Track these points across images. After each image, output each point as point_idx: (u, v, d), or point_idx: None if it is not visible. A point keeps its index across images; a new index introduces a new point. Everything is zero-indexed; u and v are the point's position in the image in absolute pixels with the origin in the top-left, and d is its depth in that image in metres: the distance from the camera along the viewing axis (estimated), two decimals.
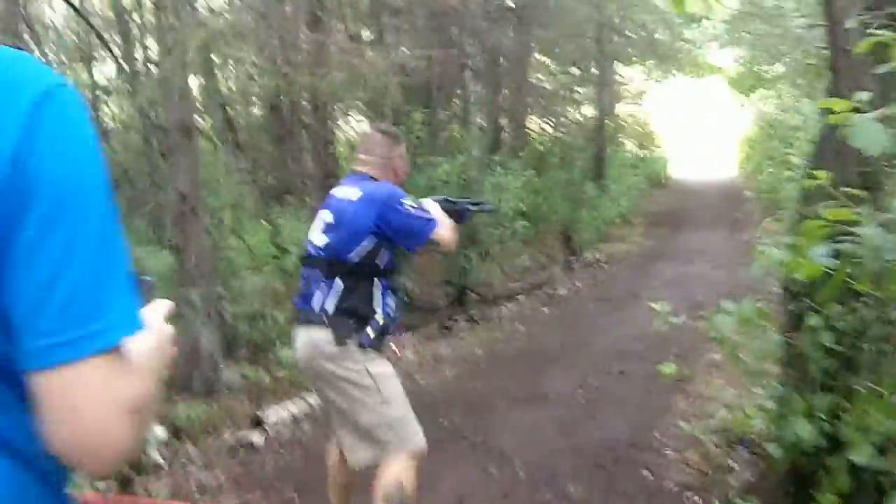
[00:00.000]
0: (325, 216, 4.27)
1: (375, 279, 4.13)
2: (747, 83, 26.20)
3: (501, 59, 16.96)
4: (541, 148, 18.32)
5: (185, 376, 7.46)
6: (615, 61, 21.41)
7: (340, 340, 4.03)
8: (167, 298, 1.57)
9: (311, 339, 4.11)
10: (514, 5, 16.53)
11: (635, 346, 9.07)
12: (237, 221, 11.43)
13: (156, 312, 1.51)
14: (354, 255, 4.08)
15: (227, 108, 11.69)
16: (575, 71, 20.57)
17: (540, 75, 20.45)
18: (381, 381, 4.11)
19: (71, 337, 1.12)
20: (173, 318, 1.56)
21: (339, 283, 4.08)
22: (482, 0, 12.84)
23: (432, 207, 4.41)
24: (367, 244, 4.08)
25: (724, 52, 26.76)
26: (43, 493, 1.24)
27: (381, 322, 4.10)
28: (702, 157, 33.41)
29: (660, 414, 6.86)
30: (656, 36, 20.86)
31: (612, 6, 18.37)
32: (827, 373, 3.84)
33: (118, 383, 1.17)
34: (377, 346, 4.12)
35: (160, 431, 6.36)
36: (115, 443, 1.16)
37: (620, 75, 23.17)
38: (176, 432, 6.52)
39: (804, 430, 3.78)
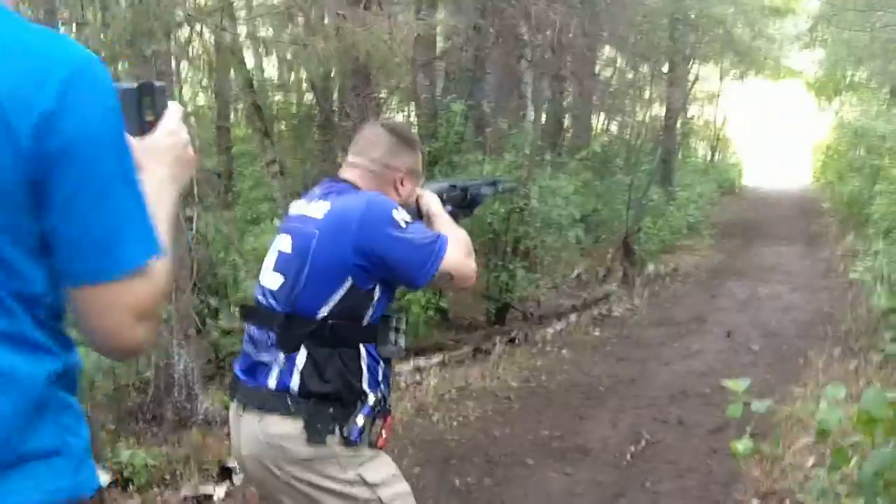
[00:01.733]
0: (282, 244, 2.90)
1: (360, 345, 2.80)
2: (829, 87, 24.91)
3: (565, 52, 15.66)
4: (603, 149, 16.97)
5: (155, 406, 6.26)
6: (689, 59, 19.95)
7: (317, 436, 2.70)
8: None
9: (264, 433, 2.75)
10: None
11: (699, 386, 7.66)
12: (252, 221, 10.29)
13: (172, 117, 1.73)
14: (324, 310, 2.73)
15: (256, 93, 10.48)
16: (645, 68, 19.26)
17: (607, 72, 19.19)
18: (384, 492, 2.79)
19: (102, 264, 1.45)
20: None
21: (304, 354, 2.74)
22: None
23: (433, 204, 3.10)
24: (343, 292, 2.74)
25: (804, 55, 25.57)
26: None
27: (373, 404, 2.79)
28: (775, 164, 31.90)
29: (726, 486, 5.47)
30: (736, 30, 19.39)
31: None
32: None
33: (132, 297, 1.47)
34: (372, 438, 2.79)
35: (103, 476, 5.12)
36: (128, 341, 1.50)
37: (694, 74, 21.70)
38: (125, 481, 5.27)
39: None
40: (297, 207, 2.96)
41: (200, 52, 9.39)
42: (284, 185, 9.98)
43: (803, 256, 15.19)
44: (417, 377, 7.88)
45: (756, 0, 20.11)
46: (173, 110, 1.73)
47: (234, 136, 12.77)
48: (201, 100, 12.61)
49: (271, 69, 13.70)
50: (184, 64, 9.40)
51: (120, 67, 6.36)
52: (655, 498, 5.36)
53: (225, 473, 5.45)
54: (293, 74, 12.70)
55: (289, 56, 11.22)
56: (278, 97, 13.17)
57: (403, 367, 7.94)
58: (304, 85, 12.81)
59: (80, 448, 1.53)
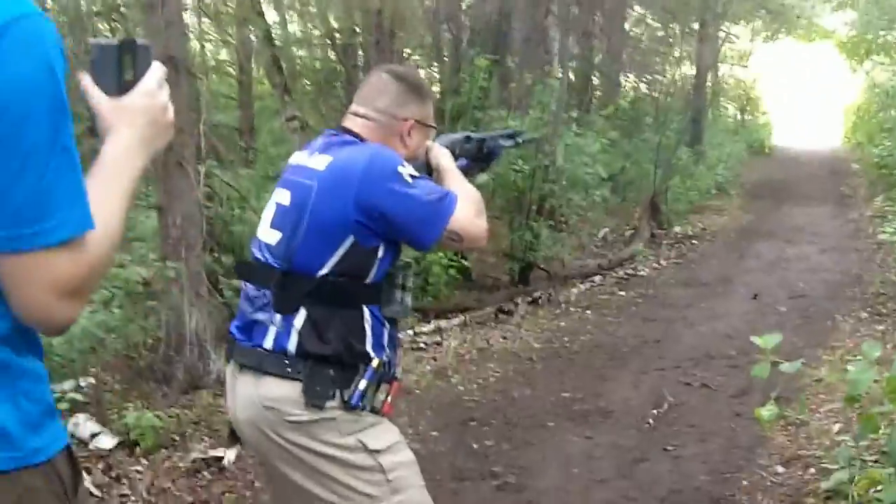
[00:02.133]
0: (280, 197, 2.73)
1: (363, 306, 2.65)
2: (860, 48, 24.52)
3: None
4: (632, 107, 16.72)
5: (165, 366, 6.13)
6: (720, 17, 19.61)
7: (315, 400, 2.56)
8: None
9: (259, 395, 2.61)
10: None
11: (725, 348, 7.52)
12: (273, 178, 10.16)
13: (153, 77, 1.61)
14: (325, 267, 2.59)
15: (277, 48, 10.32)
16: (675, 25, 18.97)
17: (636, 29, 18.93)
18: (387, 459, 2.63)
19: (21, 233, 1.34)
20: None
21: (302, 314, 2.60)
22: None
23: (443, 157, 2.90)
24: (345, 249, 2.58)
25: (836, 16, 25.21)
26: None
27: (377, 367, 2.62)
28: (805, 125, 31.48)
29: (750, 451, 5.33)
30: None
31: None
32: None
33: (56, 271, 1.37)
34: (375, 404, 2.64)
35: (106, 439, 5.04)
36: (49, 317, 1.41)
37: (726, 32, 21.35)
38: (132, 443, 5.17)
39: None
40: (298, 158, 2.78)
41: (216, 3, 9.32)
42: (306, 140, 9.82)
43: (832, 217, 14.95)
44: (437, 338, 7.76)
45: None
46: (155, 71, 1.62)
47: (256, 92, 12.61)
48: (223, 54, 12.48)
49: (294, 25, 13.53)
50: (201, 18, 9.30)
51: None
52: (677, 462, 5.23)
53: (235, 436, 5.34)
54: (316, 30, 12.53)
55: (310, 7, 11.13)
56: (302, 52, 13.00)
57: (424, 329, 7.84)
58: (328, 41, 12.68)
59: (37, 413, 1.45)
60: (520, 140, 3.33)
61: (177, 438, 5.32)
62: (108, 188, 1.48)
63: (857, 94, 26.97)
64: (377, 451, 2.61)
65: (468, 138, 3.10)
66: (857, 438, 3.16)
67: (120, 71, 1.59)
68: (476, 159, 3.13)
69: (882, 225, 12.27)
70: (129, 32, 8.13)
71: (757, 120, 27.45)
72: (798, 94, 33.08)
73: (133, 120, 1.57)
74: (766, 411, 3.77)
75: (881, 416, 3.03)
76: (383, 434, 2.67)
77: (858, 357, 6.02)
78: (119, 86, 1.58)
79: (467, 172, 3.02)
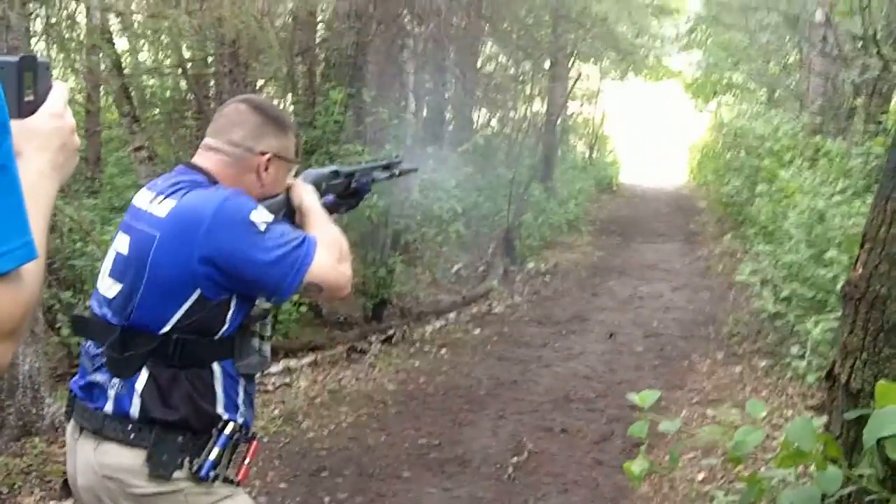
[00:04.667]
0: (120, 244, 2.44)
1: (214, 363, 2.37)
2: (706, 88, 25.22)
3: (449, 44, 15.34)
4: (486, 143, 16.73)
5: None
6: (571, 56, 19.80)
7: (160, 470, 2.28)
8: None
9: (99, 463, 2.33)
10: None
11: (583, 390, 7.38)
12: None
13: (57, 98, 1.46)
14: (169, 324, 2.31)
15: (126, 76, 9.87)
16: (527, 63, 19.10)
17: (489, 66, 18.98)
18: None
19: None
20: None
21: (144, 376, 2.31)
22: None
23: (306, 195, 2.63)
24: (190, 304, 2.31)
25: (682, 57, 25.91)
26: None
27: (231, 432, 2.37)
28: (651, 162, 32.19)
29: (613, 503, 5.16)
30: (620, 28, 19.40)
31: None
32: None
33: None
34: (228, 474, 2.37)
35: None
36: None
37: (577, 71, 21.60)
38: None
39: None
40: (141, 200, 2.48)
41: (64, 28, 8.85)
42: (153, 171, 9.44)
43: (682, 254, 15.12)
44: (287, 379, 7.43)
45: None
46: (59, 91, 1.47)
47: (104, 121, 12.13)
48: (71, 82, 11.98)
49: (145, 54, 13.09)
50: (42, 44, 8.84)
51: None
52: None
53: (69, 488, 4.94)
54: (168, 59, 12.13)
55: (146, 31, 10.73)
56: (152, 81, 12.58)
57: (272, 370, 7.48)
58: (180, 70, 12.26)
59: None
60: (397, 172, 3.07)
61: (3, 491, 4.91)
62: (30, 214, 1.29)
63: (703, 132, 27.59)
64: None
65: (336, 173, 2.85)
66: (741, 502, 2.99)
67: (20, 91, 1.41)
68: (344, 196, 2.86)
69: (732, 263, 12.45)
70: None
71: (605, 158, 27.85)
72: (645, 133, 33.90)
73: (42, 144, 1.41)
74: (637, 466, 3.58)
75: (768, 481, 2.86)
76: None
77: (727, 405, 5.97)
78: (20, 107, 1.41)
79: (334, 210, 2.75)
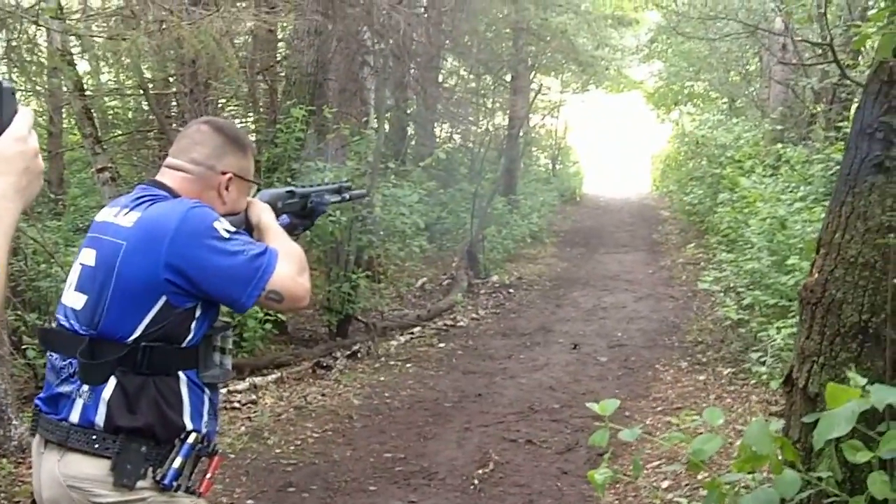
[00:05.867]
0: (85, 257, 2.48)
1: (179, 372, 2.41)
2: (668, 99, 25.39)
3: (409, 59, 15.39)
4: (448, 158, 16.79)
5: None
6: (531, 69, 19.91)
7: (125, 479, 2.31)
8: None
9: (64, 474, 2.35)
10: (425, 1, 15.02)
11: (548, 401, 7.42)
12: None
13: (22, 122, 1.46)
14: (136, 332, 2.35)
15: (88, 97, 9.85)
16: (488, 76, 19.19)
17: (450, 80, 19.05)
18: None
19: None
20: None
21: (112, 384, 2.34)
22: None
23: (264, 214, 2.69)
24: (156, 311, 2.35)
25: (644, 68, 26.07)
26: None
27: (193, 443, 2.40)
28: (614, 173, 32.38)
29: None
30: (581, 40, 19.52)
31: (531, 6, 16.82)
32: None
33: None
34: (191, 484, 2.41)
35: None
36: None
37: (538, 83, 21.73)
38: None
39: None
40: (104, 215, 2.53)
41: (24, 51, 8.82)
42: (116, 192, 9.41)
43: (646, 264, 15.22)
44: (253, 397, 7.43)
45: (599, 9, 20.35)
46: (24, 115, 1.47)
47: (66, 143, 12.10)
48: (33, 104, 11.95)
49: (107, 75, 13.07)
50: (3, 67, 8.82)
51: None
52: None
53: None
54: (129, 80, 12.12)
55: (123, 57, 10.71)
56: (114, 102, 12.56)
57: (238, 387, 7.49)
58: (141, 91, 12.27)
59: None
60: (347, 196, 3.14)
61: None
62: None
63: (665, 142, 27.78)
64: None
65: (291, 193, 2.92)
66: None
67: None
68: (300, 216, 2.93)
69: (696, 272, 12.55)
70: None
71: (568, 169, 27.96)
72: (608, 143, 34.08)
73: (6, 168, 1.42)
74: (600, 475, 3.62)
75: (729, 486, 2.91)
76: None
77: (690, 412, 6.02)
78: None
79: (290, 230, 2.80)
